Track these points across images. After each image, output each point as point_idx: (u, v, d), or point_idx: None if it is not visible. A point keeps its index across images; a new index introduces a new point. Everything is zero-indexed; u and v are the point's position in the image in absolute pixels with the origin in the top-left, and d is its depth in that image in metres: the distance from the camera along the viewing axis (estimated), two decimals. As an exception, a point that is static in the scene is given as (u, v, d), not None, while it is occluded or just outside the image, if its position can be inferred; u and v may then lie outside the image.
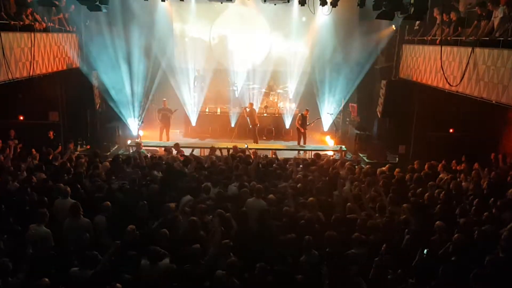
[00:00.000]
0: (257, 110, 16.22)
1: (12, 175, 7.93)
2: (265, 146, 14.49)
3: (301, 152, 14.34)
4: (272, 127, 16.39)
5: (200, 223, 6.21)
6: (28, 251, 5.23)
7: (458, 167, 9.69)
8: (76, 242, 5.95)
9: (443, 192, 7.68)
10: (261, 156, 10.55)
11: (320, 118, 16.30)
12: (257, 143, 14.86)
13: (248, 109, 15.27)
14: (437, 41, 10.85)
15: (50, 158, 9.57)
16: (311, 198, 7.13)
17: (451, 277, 5.06)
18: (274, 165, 9.60)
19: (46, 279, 4.70)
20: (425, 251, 5.40)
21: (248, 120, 15.23)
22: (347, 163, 9.94)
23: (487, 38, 8.95)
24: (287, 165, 9.76)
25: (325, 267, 5.24)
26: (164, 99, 15.28)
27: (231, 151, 10.53)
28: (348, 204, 7.16)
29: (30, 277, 4.91)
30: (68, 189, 7.04)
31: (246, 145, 11.70)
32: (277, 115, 16.51)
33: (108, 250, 5.36)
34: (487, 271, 5.05)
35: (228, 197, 7.48)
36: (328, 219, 6.71)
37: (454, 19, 10.62)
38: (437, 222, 6.21)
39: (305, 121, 14.85)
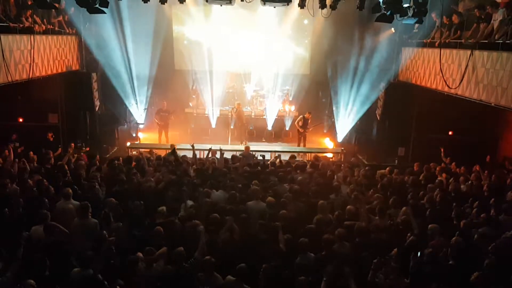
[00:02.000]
0: (255, 112, 16.27)
1: (10, 177, 7.91)
2: (264, 148, 14.46)
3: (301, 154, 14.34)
4: (271, 129, 16.38)
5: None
6: (19, 252, 5.22)
7: (457, 170, 9.69)
8: (84, 241, 5.97)
9: (439, 195, 7.67)
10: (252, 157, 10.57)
11: (322, 123, 16.29)
12: (241, 143, 14.98)
13: (235, 110, 15.29)
14: (436, 43, 10.87)
15: (48, 160, 9.57)
16: (321, 201, 7.11)
17: (449, 280, 5.06)
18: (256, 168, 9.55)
19: (32, 281, 4.65)
20: (419, 254, 5.38)
21: (236, 120, 15.38)
22: (346, 165, 9.94)
23: (486, 41, 8.97)
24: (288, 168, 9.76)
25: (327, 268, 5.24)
26: (164, 101, 15.29)
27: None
28: (348, 206, 7.14)
29: (19, 277, 4.89)
30: (70, 191, 7.06)
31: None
32: (276, 117, 16.51)
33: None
34: (486, 273, 5.06)
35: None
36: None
37: (453, 22, 10.64)
38: (431, 225, 6.21)
39: (307, 123, 14.86)
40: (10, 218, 6.39)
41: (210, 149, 10.41)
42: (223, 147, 10.66)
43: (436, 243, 5.97)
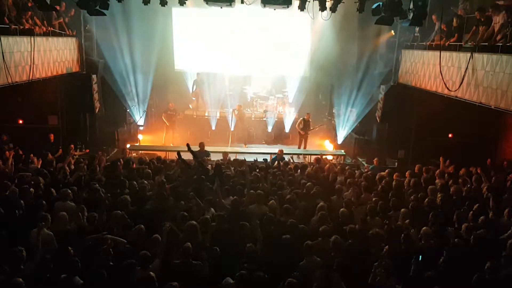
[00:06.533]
0: (255, 114, 16.27)
1: (10, 179, 7.90)
2: (265, 150, 14.47)
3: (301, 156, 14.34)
4: (271, 131, 16.40)
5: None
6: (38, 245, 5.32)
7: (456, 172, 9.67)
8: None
9: (440, 198, 7.66)
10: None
11: (324, 124, 16.30)
12: (245, 145, 15.13)
13: (236, 112, 15.30)
14: (434, 44, 10.89)
15: (48, 162, 9.57)
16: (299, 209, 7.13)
17: (447, 282, 5.05)
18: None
19: (20, 279, 4.68)
20: (420, 257, 5.37)
21: (237, 122, 15.37)
22: (346, 168, 9.93)
23: (486, 44, 8.98)
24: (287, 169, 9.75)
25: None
26: (170, 102, 15.44)
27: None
28: (342, 209, 7.11)
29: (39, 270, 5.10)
30: (69, 192, 7.06)
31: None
32: (276, 119, 16.52)
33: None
34: (487, 276, 5.06)
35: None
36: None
37: (453, 24, 10.65)
38: (424, 228, 6.17)
39: (307, 125, 14.85)
40: (10, 220, 6.39)
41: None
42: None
43: (430, 244, 5.96)
